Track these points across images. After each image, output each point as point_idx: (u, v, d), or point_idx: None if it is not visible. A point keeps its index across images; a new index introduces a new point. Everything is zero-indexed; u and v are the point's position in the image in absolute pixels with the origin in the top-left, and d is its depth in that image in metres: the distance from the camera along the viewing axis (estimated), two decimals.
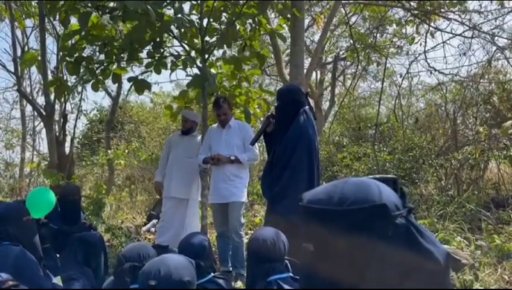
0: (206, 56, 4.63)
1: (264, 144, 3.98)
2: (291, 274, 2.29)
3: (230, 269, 4.26)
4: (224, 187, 4.25)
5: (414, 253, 0.96)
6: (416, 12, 7.86)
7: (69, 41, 4.64)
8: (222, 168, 4.27)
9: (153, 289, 1.79)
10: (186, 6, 5.08)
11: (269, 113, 3.77)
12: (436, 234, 4.57)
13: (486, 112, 8.07)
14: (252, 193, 7.67)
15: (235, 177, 4.26)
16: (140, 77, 4.82)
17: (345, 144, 11.01)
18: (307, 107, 3.37)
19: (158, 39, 4.48)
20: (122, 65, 5.01)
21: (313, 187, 3.12)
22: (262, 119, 5.66)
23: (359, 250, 0.95)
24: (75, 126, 8.54)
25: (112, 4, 4.28)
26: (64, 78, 6.24)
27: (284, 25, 5.18)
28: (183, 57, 4.71)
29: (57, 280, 2.77)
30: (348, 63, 11.97)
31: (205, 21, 4.52)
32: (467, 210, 5.53)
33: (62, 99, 7.58)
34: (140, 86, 4.71)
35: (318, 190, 1.08)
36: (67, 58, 4.57)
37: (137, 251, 2.40)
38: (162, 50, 4.71)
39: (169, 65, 4.80)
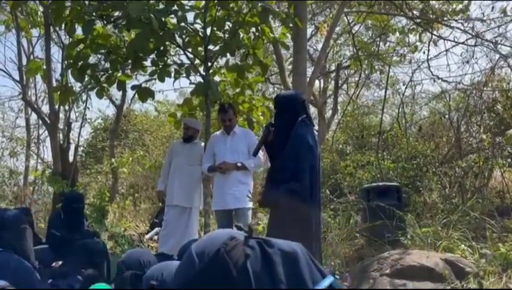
0: (210, 64, 4.66)
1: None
2: None
3: None
4: (230, 193, 4.23)
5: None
6: (419, 20, 7.89)
7: (75, 49, 4.69)
8: (227, 174, 4.27)
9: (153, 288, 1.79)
10: (189, 15, 5.12)
11: (269, 123, 3.75)
12: (440, 242, 4.55)
13: (490, 119, 8.04)
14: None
15: (240, 183, 4.25)
16: (144, 85, 4.85)
17: (348, 152, 10.97)
18: (305, 115, 3.29)
19: (162, 48, 4.52)
20: (127, 72, 5.05)
21: (313, 196, 3.12)
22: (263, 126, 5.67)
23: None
24: (79, 134, 8.62)
25: (116, 13, 4.33)
26: (69, 85, 6.28)
27: (287, 34, 5.21)
28: (186, 65, 4.74)
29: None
30: (351, 71, 11.99)
31: (208, 30, 4.55)
32: (471, 218, 5.48)
33: (66, 108, 7.63)
34: (144, 93, 4.75)
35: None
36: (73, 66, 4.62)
37: (138, 258, 2.35)
38: (165, 58, 4.74)
39: (172, 73, 4.83)
